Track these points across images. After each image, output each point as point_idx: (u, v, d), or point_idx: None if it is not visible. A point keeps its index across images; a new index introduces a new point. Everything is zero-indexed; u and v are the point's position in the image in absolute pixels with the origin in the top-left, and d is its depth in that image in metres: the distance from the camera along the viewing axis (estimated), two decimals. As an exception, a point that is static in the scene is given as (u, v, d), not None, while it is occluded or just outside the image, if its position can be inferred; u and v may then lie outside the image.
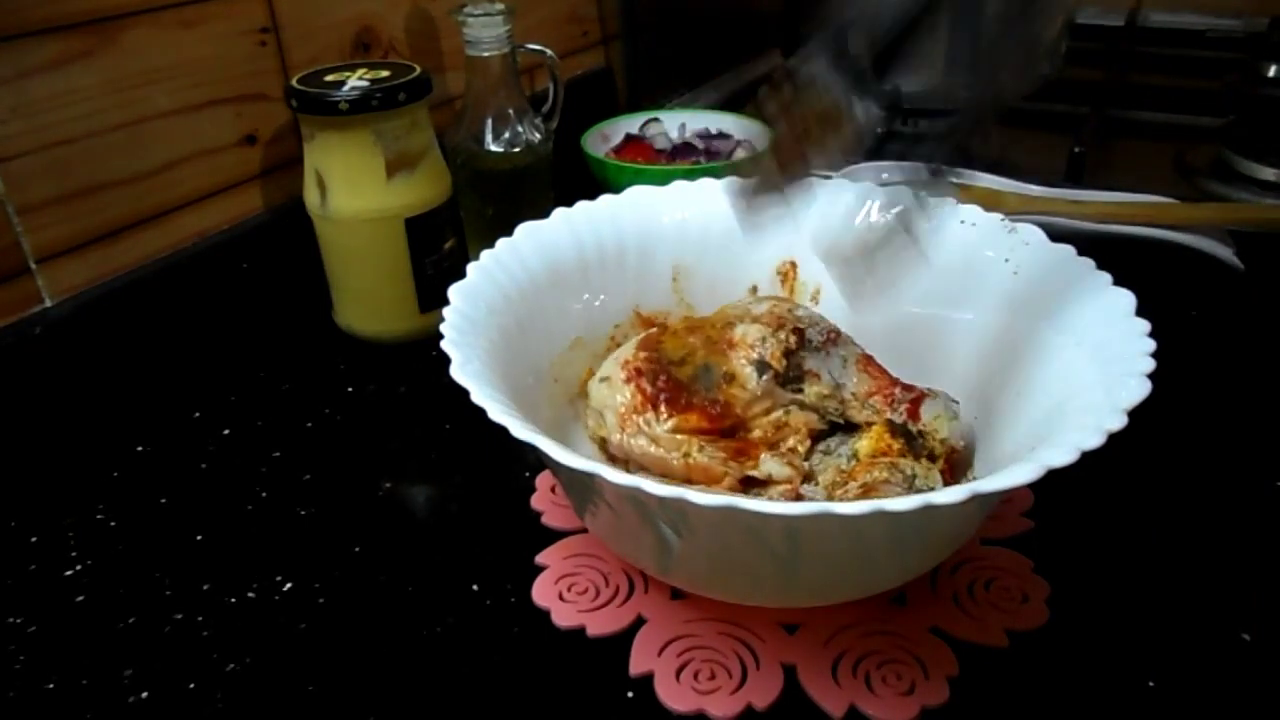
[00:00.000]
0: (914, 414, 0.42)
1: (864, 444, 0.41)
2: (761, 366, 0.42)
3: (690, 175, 0.51)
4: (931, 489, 0.39)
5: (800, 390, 0.42)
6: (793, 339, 0.42)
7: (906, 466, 0.40)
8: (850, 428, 0.42)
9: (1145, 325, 0.35)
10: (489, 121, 0.63)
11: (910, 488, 0.38)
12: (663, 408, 0.41)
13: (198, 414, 0.53)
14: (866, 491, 0.38)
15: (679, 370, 0.43)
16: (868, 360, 0.44)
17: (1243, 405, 0.51)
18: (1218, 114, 0.86)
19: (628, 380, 0.42)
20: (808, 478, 0.41)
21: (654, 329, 0.46)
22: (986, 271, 0.43)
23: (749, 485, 0.41)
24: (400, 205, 0.56)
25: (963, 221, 0.44)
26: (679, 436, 0.41)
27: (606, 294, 0.48)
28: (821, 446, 0.42)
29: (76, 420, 0.52)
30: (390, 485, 0.48)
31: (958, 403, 0.43)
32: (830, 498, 0.39)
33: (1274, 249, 0.64)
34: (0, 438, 0.49)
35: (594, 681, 0.36)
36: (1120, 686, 0.35)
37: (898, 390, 0.42)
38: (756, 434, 0.41)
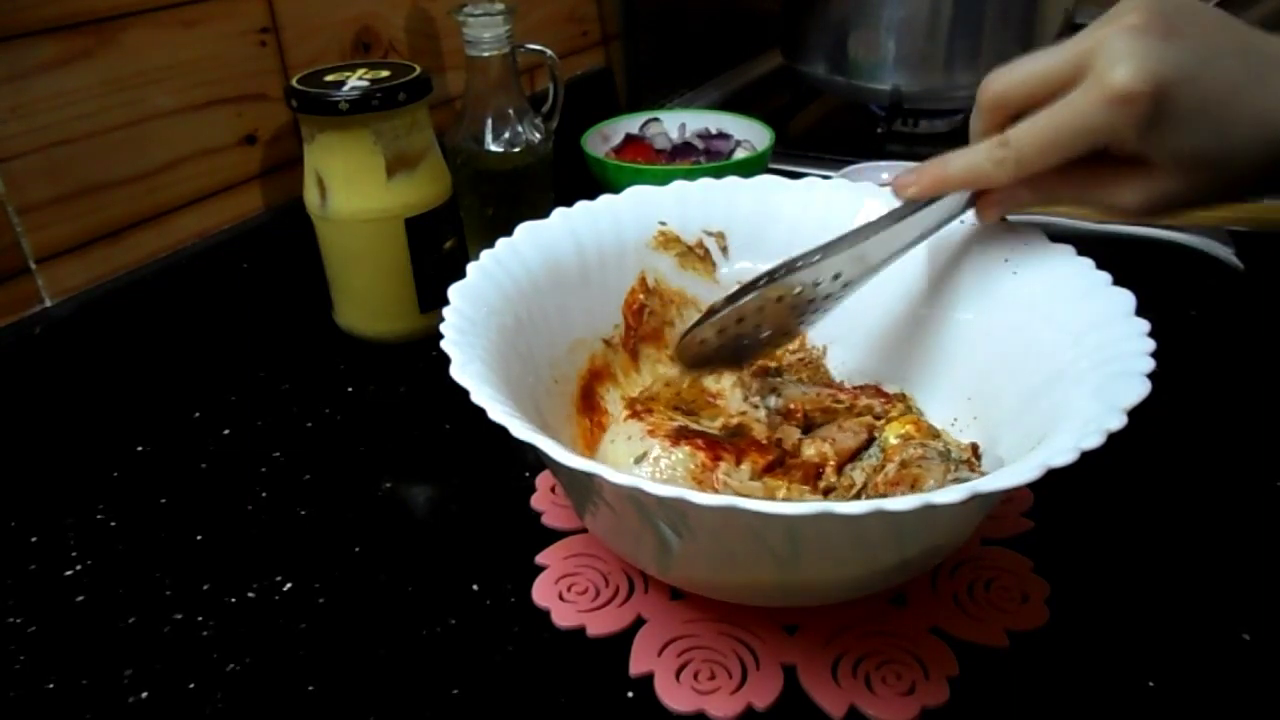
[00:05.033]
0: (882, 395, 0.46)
1: (888, 433, 0.42)
2: (762, 400, 0.45)
3: (690, 175, 0.51)
4: (965, 460, 0.39)
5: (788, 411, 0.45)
6: (759, 373, 0.47)
7: (937, 444, 0.40)
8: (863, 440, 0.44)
9: (1145, 325, 0.35)
10: (489, 121, 0.63)
11: (947, 459, 0.39)
12: (725, 455, 0.40)
13: (198, 414, 0.53)
14: (905, 467, 0.39)
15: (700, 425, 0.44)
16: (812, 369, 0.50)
17: (1243, 405, 0.51)
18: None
19: (675, 443, 0.40)
20: (848, 489, 0.41)
21: (633, 411, 0.44)
22: (986, 271, 0.43)
23: None
24: (400, 205, 0.56)
25: (962, 221, 0.44)
26: (766, 481, 0.40)
27: (606, 294, 0.48)
28: (849, 466, 0.42)
29: (76, 420, 0.52)
30: (390, 485, 0.48)
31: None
32: (871, 483, 0.40)
33: (1274, 249, 0.64)
34: (1, 438, 0.49)
35: (594, 681, 0.36)
36: (1120, 686, 0.35)
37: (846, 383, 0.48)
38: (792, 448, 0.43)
